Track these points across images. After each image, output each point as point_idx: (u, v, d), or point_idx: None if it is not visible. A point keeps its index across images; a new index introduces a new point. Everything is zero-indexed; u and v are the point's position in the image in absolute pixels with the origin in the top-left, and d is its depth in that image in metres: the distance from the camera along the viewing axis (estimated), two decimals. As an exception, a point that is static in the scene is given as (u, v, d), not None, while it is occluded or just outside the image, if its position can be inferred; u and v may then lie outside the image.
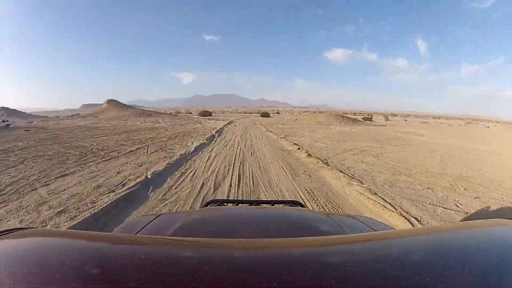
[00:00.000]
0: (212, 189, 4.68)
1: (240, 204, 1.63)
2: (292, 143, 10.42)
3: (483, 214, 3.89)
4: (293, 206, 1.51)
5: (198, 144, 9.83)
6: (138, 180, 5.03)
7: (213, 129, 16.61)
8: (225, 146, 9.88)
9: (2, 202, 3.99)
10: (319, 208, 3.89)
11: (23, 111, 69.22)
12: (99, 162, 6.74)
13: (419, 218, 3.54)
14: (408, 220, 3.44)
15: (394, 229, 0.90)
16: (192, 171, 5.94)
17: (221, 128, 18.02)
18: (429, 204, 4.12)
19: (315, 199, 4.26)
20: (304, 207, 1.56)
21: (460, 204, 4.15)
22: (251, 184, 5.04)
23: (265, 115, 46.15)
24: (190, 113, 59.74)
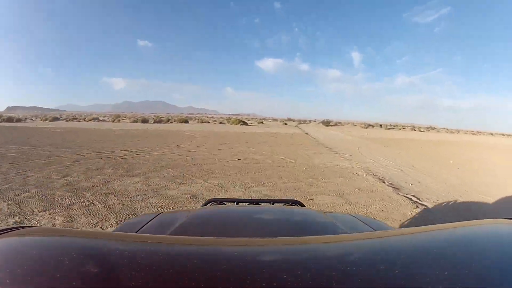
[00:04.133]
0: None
1: (239, 203, 1.60)
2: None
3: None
4: (293, 205, 1.51)
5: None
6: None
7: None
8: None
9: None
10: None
11: None
12: None
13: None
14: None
15: (394, 228, 0.92)
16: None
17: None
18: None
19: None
20: (303, 206, 1.56)
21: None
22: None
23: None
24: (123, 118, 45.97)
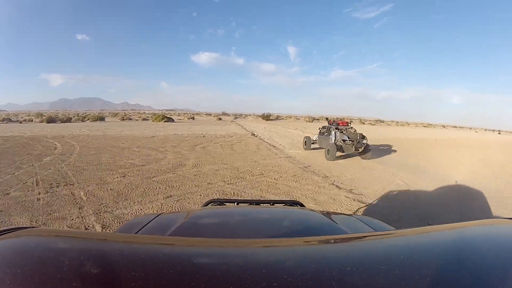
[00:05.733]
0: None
1: (239, 204, 1.57)
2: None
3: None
4: (292, 206, 1.49)
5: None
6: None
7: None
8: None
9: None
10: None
11: None
12: None
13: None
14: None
15: (394, 228, 0.89)
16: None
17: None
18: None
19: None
20: (303, 206, 1.53)
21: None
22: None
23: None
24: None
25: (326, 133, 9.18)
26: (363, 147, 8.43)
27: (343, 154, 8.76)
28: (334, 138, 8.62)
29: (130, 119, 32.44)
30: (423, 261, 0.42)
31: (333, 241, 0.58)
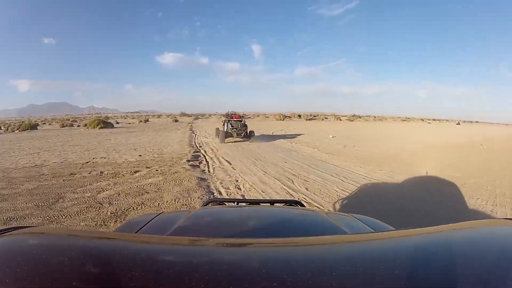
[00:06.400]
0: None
1: (239, 204, 1.57)
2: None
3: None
4: (292, 205, 1.49)
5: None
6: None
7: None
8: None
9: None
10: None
11: None
12: None
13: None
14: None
15: (394, 228, 0.87)
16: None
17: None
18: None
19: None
20: (303, 206, 1.56)
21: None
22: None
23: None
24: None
25: (223, 124, 12.77)
26: (243, 133, 11.91)
27: (233, 138, 11.79)
28: (225, 128, 12.13)
29: (72, 125, 26.97)
30: (423, 261, 0.42)
31: (333, 241, 0.58)
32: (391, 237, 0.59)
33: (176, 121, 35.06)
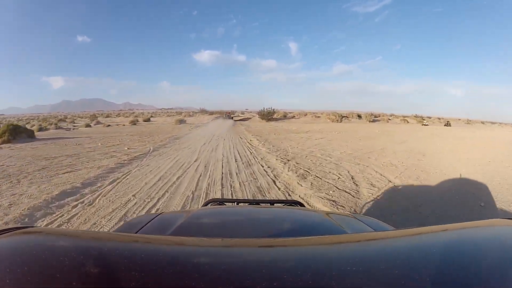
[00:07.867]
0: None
1: (239, 204, 1.61)
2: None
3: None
4: (292, 205, 1.49)
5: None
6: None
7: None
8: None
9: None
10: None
11: None
12: None
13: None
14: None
15: (394, 228, 0.87)
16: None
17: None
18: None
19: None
20: (303, 206, 1.55)
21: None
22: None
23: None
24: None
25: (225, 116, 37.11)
26: (230, 119, 33.77)
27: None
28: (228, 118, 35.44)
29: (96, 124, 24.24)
30: (423, 261, 0.42)
31: (333, 241, 0.58)
32: (392, 237, 0.58)
33: (180, 122, 27.21)
